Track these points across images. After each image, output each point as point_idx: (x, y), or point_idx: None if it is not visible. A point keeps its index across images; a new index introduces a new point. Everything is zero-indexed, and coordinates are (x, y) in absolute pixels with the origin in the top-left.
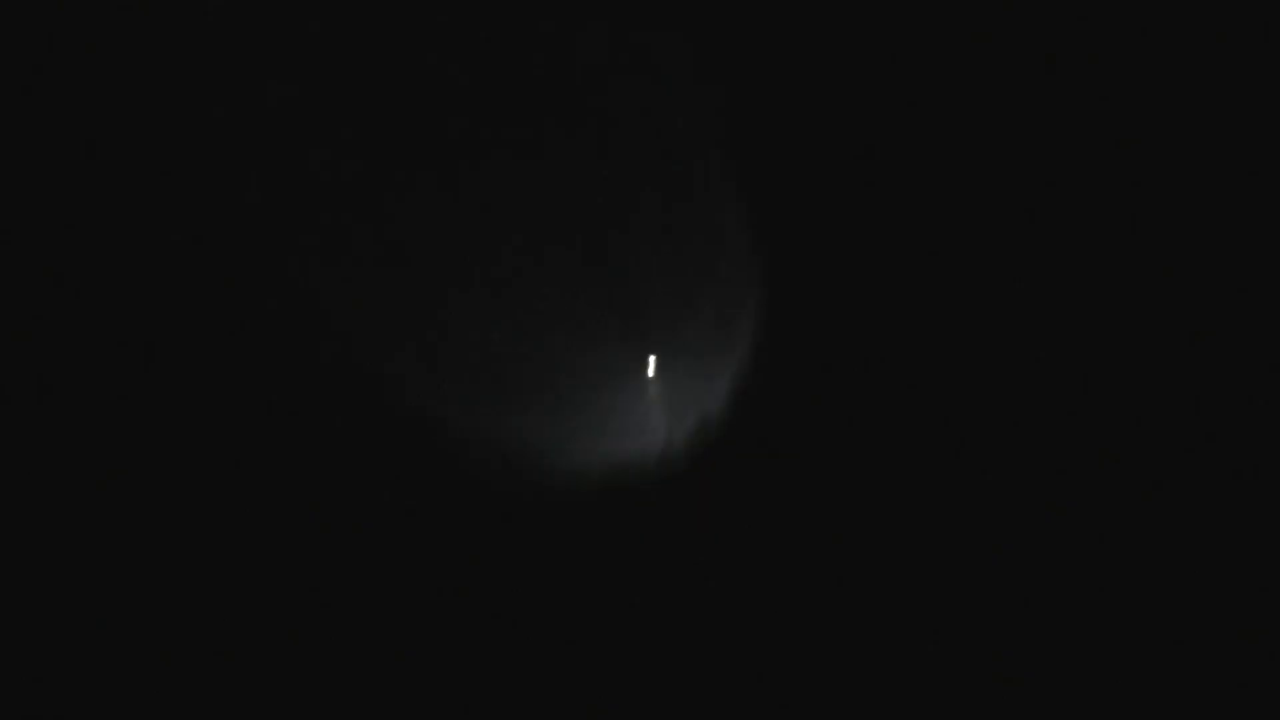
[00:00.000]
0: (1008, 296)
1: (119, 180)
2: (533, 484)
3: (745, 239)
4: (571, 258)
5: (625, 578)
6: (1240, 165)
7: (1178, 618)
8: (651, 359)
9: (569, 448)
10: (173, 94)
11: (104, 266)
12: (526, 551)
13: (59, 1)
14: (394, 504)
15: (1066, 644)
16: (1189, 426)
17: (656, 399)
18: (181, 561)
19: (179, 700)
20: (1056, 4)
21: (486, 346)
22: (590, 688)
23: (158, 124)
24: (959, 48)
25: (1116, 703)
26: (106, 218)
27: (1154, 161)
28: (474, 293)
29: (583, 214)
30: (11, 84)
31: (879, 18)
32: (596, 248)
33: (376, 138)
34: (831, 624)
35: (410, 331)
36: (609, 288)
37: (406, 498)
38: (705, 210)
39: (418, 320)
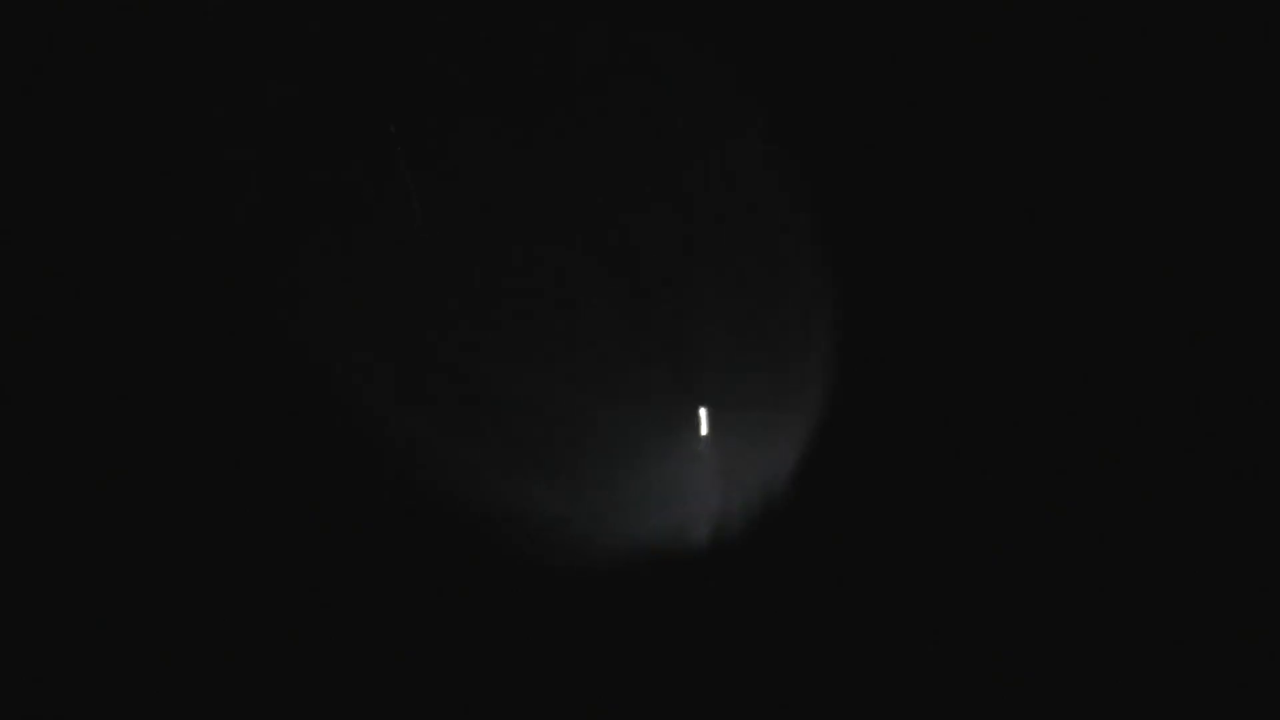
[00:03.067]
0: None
1: (119, 180)
2: (563, 561)
3: (756, 246)
4: (572, 258)
5: (667, 669)
6: (1240, 165)
7: (1178, 617)
8: (703, 412)
9: (604, 518)
10: (173, 94)
11: (104, 266)
12: (554, 638)
13: (59, 1)
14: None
15: (1067, 644)
16: (1189, 426)
17: (709, 461)
18: (179, 562)
19: (167, 699)
20: (1057, 4)
21: (490, 381)
22: None
23: (157, 124)
24: (960, 47)
25: (1116, 703)
26: (106, 217)
27: (1154, 161)
28: (477, 301)
29: (583, 214)
30: (11, 84)
31: (881, 17)
32: (597, 249)
33: (376, 138)
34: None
35: (411, 344)
36: (612, 288)
37: (418, 564)
38: (708, 213)
39: (417, 332)
